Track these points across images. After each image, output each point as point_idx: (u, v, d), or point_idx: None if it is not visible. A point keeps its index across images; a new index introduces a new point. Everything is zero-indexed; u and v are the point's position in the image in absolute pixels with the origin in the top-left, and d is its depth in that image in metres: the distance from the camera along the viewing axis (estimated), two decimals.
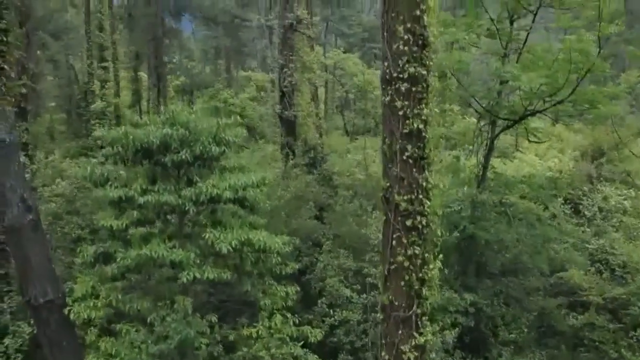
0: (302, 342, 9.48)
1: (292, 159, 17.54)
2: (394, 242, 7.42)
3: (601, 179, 20.67)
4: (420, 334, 7.36)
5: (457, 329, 11.25)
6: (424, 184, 7.38)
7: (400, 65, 7.25)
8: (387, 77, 7.37)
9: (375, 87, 27.71)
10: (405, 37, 7.18)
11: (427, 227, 7.46)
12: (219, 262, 9.54)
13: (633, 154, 16.11)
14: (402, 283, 7.37)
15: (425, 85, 7.38)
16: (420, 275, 7.40)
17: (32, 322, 10.20)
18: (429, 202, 7.43)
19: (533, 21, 13.41)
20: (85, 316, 8.83)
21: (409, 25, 7.18)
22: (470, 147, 14.91)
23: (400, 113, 7.28)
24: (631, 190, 19.34)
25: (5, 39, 11.77)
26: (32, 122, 20.40)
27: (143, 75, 31.66)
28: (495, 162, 15.31)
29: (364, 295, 12.08)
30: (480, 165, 13.81)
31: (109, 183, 9.45)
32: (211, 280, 8.93)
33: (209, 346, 8.86)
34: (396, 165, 7.35)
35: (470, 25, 13.02)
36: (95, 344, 9.07)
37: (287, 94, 18.62)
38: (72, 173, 13.84)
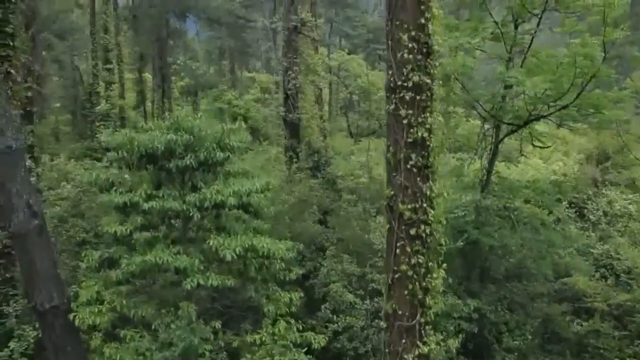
0: (305, 349, 9.48)
1: (295, 162, 17.55)
2: (397, 250, 7.42)
3: (606, 182, 20.56)
4: (424, 343, 7.37)
5: (460, 336, 11.21)
6: (428, 192, 7.38)
7: (405, 74, 7.24)
8: (392, 85, 7.37)
9: (379, 88, 27.65)
10: (410, 45, 7.18)
11: (430, 235, 7.47)
12: (223, 268, 9.57)
13: (637, 159, 16.02)
14: (406, 292, 7.38)
15: (429, 94, 7.38)
16: (424, 284, 7.41)
17: (37, 325, 10.26)
18: (432, 211, 7.44)
19: (538, 25, 13.33)
20: (90, 322, 8.87)
21: (413, 33, 7.18)
22: (475, 150, 14.86)
23: (405, 122, 7.28)
24: (637, 194, 19.22)
25: (11, 43, 11.84)
26: (37, 124, 20.51)
27: (148, 76, 31.75)
28: (499, 166, 15.25)
29: (367, 301, 12.06)
30: (484, 170, 13.76)
31: (114, 188, 9.50)
32: (215, 287, 8.95)
33: (212, 353, 8.88)
34: (400, 174, 7.36)
35: (474, 29, 12.98)
36: (99, 349, 9.13)
37: (291, 96, 18.64)
38: (77, 177, 13.89)
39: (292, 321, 9.71)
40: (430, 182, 7.41)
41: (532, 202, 14.78)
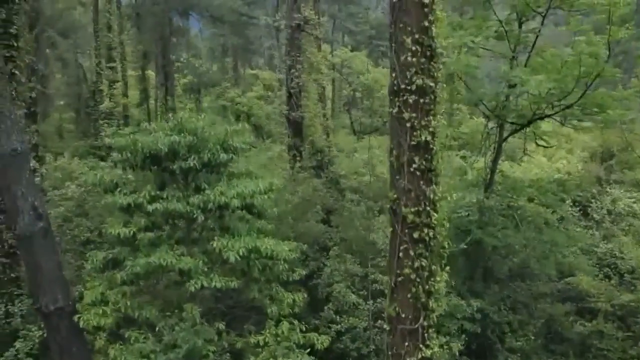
0: (308, 349, 9.51)
1: (299, 161, 17.55)
2: (401, 254, 7.43)
3: (610, 181, 20.47)
4: (427, 346, 7.38)
5: (463, 336, 11.21)
6: (432, 196, 7.38)
7: (408, 77, 7.22)
8: (395, 88, 7.35)
9: (382, 85, 27.62)
10: (413, 48, 7.16)
11: (434, 239, 7.46)
12: (227, 269, 9.59)
13: None
14: (409, 295, 7.39)
15: (433, 97, 7.35)
16: (427, 287, 7.42)
17: (42, 325, 10.33)
18: (436, 214, 7.43)
19: (542, 23, 13.25)
20: (95, 323, 8.93)
21: (417, 36, 7.16)
22: (479, 149, 14.82)
23: (408, 125, 7.27)
24: None
25: (15, 44, 11.90)
26: (40, 122, 20.58)
27: (151, 74, 31.77)
28: (503, 165, 15.21)
29: (370, 302, 12.08)
30: (487, 169, 13.73)
31: (118, 189, 9.54)
32: (219, 288, 8.98)
33: (216, 354, 8.92)
34: (404, 177, 7.35)
35: (478, 27, 12.91)
36: (104, 350, 9.18)
37: (294, 94, 18.62)
38: (81, 177, 13.95)
39: (295, 322, 9.74)
40: (434, 185, 7.40)
41: (536, 201, 14.75)
